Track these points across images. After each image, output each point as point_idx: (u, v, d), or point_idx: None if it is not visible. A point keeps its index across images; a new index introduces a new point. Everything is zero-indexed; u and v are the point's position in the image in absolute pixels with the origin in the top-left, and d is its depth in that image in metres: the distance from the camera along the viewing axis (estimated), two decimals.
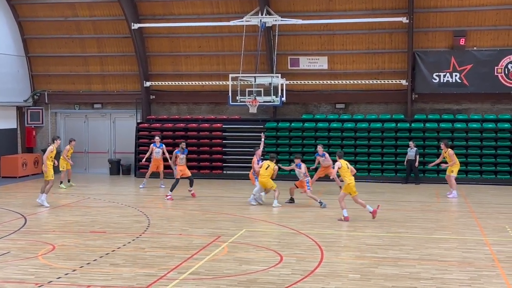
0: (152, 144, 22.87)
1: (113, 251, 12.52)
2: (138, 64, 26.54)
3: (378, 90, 25.48)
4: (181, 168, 19.82)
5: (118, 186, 23.98)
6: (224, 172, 25.83)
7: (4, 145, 26.73)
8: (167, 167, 22.97)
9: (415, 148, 23.16)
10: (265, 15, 23.36)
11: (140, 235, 14.14)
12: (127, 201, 19.73)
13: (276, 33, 24.28)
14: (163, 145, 23.00)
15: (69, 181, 22.72)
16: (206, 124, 26.21)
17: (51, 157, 18.41)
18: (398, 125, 24.74)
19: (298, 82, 25.60)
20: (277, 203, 18.09)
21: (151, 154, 22.71)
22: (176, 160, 19.87)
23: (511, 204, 19.02)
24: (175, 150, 20.13)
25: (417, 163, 23.07)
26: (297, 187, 18.48)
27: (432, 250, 12.68)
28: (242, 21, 23.33)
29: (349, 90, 25.71)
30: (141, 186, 22.52)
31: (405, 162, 23.45)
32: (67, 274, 10.81)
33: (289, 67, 25.73)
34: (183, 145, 20.22)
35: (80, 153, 27.13)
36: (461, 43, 24.17)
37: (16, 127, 27.69)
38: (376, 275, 10.75)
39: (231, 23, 23.78)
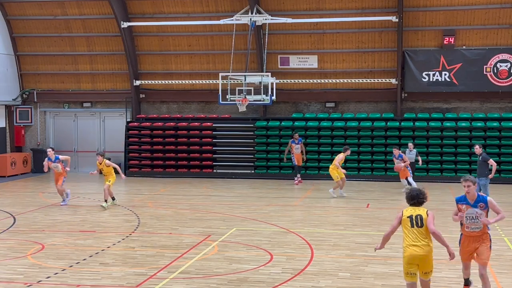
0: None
1: (103, 250, 12.48)
2: (128, 63, 26.44)
3: (368, 89, 25.55)
4: (297, 157, 23.04)
5: None
6: (215, 171, 25.80)
7: None
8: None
9: (415, 150, 22.18)
10: (255, 13, 23.37)
11: (130, 234, 14.10)
12: (117, 200, 19.64)
13: (266, 32, 24.32)
14: None
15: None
16: (196, 123, 26.15)
17: None
18: (388, 124, 24.79)
19: (288, 81, 25.63)
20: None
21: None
22: (292, 149, 23.02)
23: (500, 202, 18.98)
24: (290, 140, 23.25)
25: (420, 162, 21.98)
26: None
27: None
28: (232, 19, 23.33)
29: (339, 89, 25.77)
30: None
31: None
32: (57, 273, 10.78)
33: (279, 66, 25.73)
34: (296, 135, 23.20)
35: (69, 152, 26.99)
36: (450, 42, 24.28)
37: (5, 126, 27.53)
38: (366, 274, 10.78)
39: (221, 21, 23.73)
